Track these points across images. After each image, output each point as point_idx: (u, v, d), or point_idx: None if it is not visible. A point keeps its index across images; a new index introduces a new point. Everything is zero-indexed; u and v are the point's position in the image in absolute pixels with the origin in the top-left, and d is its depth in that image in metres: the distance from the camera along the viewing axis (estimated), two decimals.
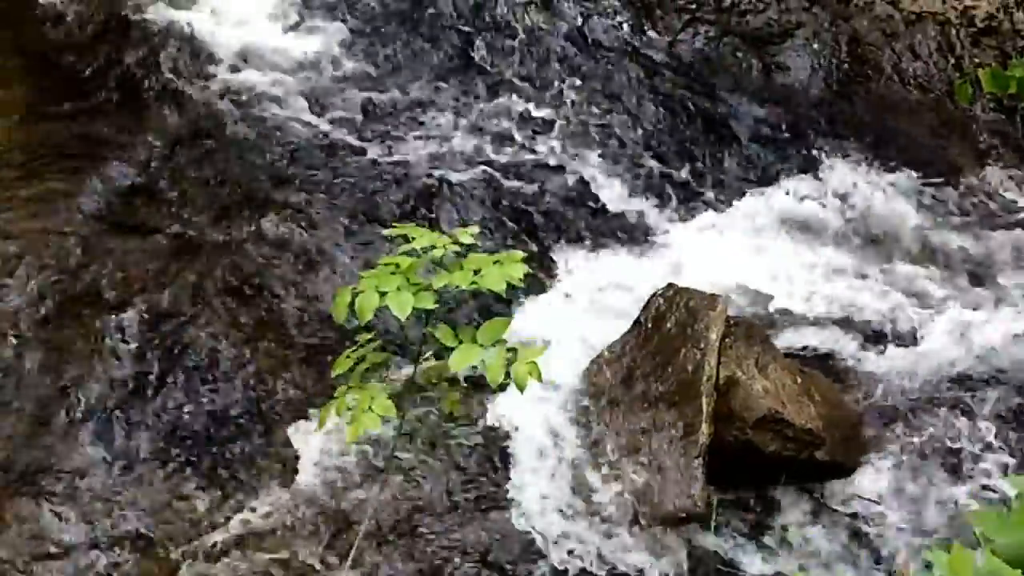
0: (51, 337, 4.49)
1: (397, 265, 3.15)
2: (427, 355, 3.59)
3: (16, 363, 4.35)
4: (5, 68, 5.93)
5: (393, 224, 3.58)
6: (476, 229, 3.28)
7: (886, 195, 5.56)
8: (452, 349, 3.15)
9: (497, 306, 4.56)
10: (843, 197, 5.56)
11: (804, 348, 4.83)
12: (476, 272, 3.11)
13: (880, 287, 5.14)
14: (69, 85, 5.69)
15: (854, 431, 4.41)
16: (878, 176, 5.64)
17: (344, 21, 6.30)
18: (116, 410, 4.27)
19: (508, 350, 3.12)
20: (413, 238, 3.19)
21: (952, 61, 6.13)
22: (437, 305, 3.13)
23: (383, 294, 3.08)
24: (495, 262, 3.11)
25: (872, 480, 4.26)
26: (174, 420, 4.30)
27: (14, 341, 4.43)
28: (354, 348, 3.41)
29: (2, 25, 6.05)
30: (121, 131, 5.51)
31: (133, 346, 4.49)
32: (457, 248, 3.16)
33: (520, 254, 3.16)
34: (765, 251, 5.30)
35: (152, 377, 4.42)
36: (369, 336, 3.45)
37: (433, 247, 3.14)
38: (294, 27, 6.18)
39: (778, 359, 4.39)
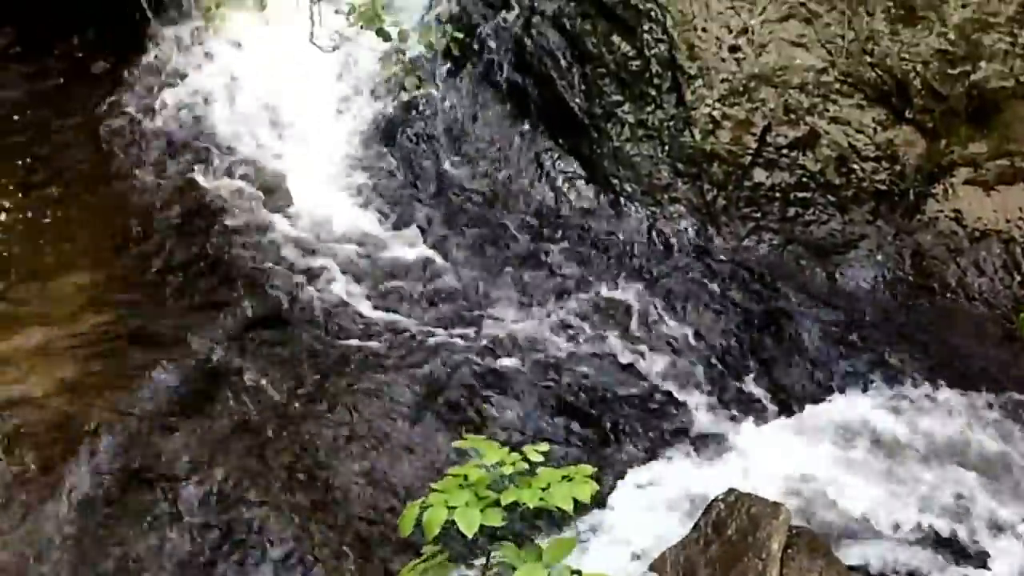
0: (113, 512, 4.54)
1: (466, 477, 3.17)
2: (493, 569, 3.55)
3: (78, 534, 4.39)
4: (85, 246, 6.19)
5: (462, 435, 3.59)
6: (545, 447, 3.29)
7: (951, 410, 5.49)
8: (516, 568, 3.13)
9: None
10: (907, 410, 5.51)
11: (867, 563, 4.70)
12: (544, 489, 3.11)
13: (946, 504, 5.03)
14: (145, 265, 5.94)
15: None
16: (943, 390, 5.58)
17: (417, 212, 6.56)
18: None
19: (572, 572, 3.07)
20: (483, 453, 3.22)
21: (1018, 279, 6.16)
22: (505, 523, 3.12)
23: (451, 508, 3.09)
24: (564, 477, 3.12)
25: None
26: None
27: (75, 514, 4.48)
28: (419, 560, 3.37)
29: (85, 204, 6.35)
30: (194, 312, 5.70)
31: (190, 524, 4.51)
32: (525, 466, 3.17)
33: (589, 469, 3.15)
34: (829, 460, 5.24)
35: (204, 559, 4.42)
36: (435, 549, 3.41)
37: (502, 463, 3.17)
38: (370, 218, 6.44)
39: (842, 573, 4.28)
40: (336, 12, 5.30)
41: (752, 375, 5.76)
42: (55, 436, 4.89)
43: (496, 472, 3.16)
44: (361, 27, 5.25)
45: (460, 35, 6.14)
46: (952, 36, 6.18)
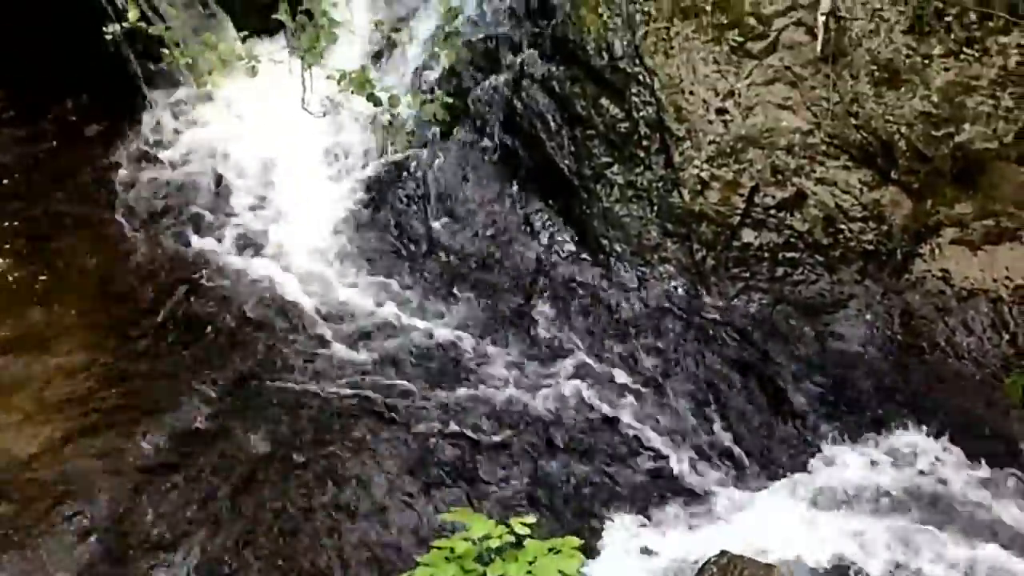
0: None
1: (452, 550, 3.17)
2: None
3: None
4: (75, 308, 6.21)
5: (449, 509, 3.60)
6: (532, 519, 3.30)
7: (941, 469, 5.49)
8: None
9: None
10: (898, 469, 5.51)
11: None
12: (531, 562, 3.10)
13: (938, 562, 5.01)
14: (134, 327, 5.96)
15: None
16: (933, 450, 5.59)
17: (406, 273, 6.59)
18: None
19: None
20: (469, 526, 3.22)
21: (1006, 338, 6.18)
22: None
23: None
24: (550, 549, 3.12)
25: None
26: None
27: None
28: None
29: (76, 267, 6.37)
30: (182, 372, 5.72)
31: None
32: (512, 539, 3.17)
33: (576, 541, 3.16)
34: (820, 521, 5.23)
35: None
36: None
37: (488, 536, 3.16)
38: (360, 280, 6.46)
39: None
40: (328, 78, 5.35)
41: (743, 435, 5.76)
42: (43, 496, 4.88)
43: (483, 545, 3.15)
44: (352, 92, 5.30)
45: (450, 100, 6.19)
46: (935, 99, 6.26)
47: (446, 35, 6.51)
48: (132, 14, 4.88)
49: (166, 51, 4.92)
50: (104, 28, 4.80)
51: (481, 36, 7.25)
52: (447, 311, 6.35)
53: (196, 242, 6.41)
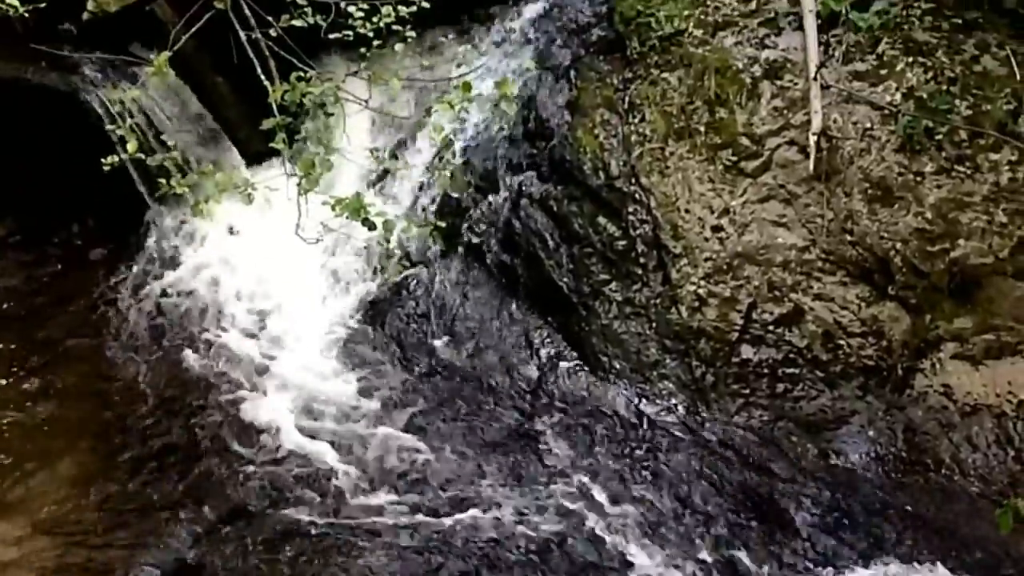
0: None
1: None
2: None
3: None
4: (72, 432, 6.24)
5: None
6: None
7: None
8: None
9: None
10: None
11: None
12: None
13: None
14: (130, 451, 5.97)
15: None
16: (938, 571, 5.46)
17: (405, 391, 6.59)
18: None
19: None
20: None
21: (1012, 454, 6.09)
22: None
23: None
24: None
25: None
26: None
27: None
28: None
29: (76, 390, 6.40)
30: (178, 498, 5.70)
31: None
32: None
33: None
34: None
35: None
36: None
37: None
38: (359, 402, 6.46)
39: None
40: (323, 203, 5.43)
41: (744, 555, 5.64)
42: None
43: None
44: (347, 218, 5.36)
45: (443, 225, 6.29)
46: (929, 215, 6.29)
47: (441, 163, 6.61)
48: (131, 146, 4.99)
49: (162, 180, 5.02)
50: (103, 160, 4.92)
51: (480, 157, 7.39)
52: (446, 431, 6.32)
53: (194, 366, 6.45)
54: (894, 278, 6.35)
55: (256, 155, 7.34)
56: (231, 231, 6.94)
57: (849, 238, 6.42)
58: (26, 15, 5.27)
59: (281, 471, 5.86)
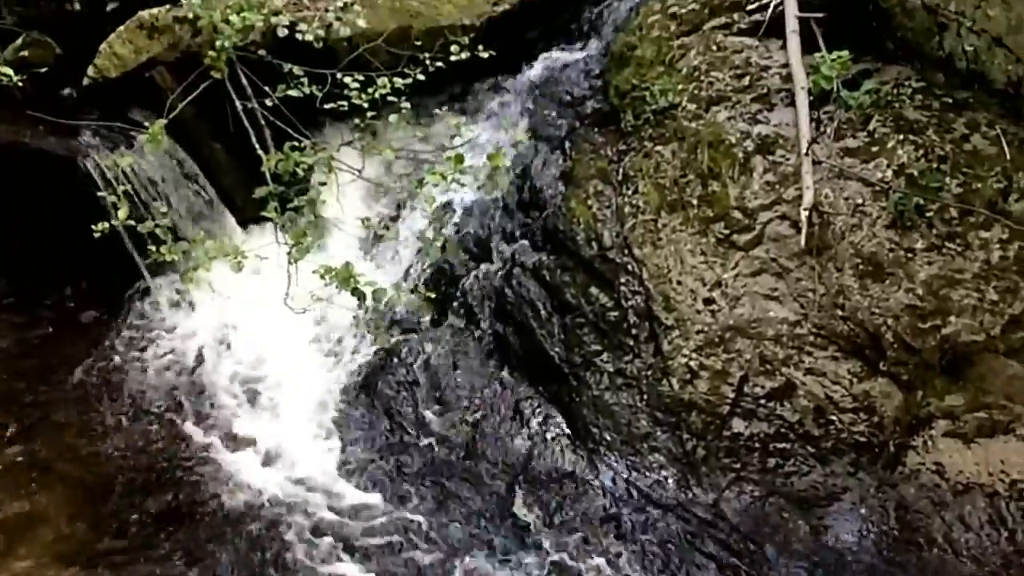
0: None
1: None
2: None
3: None
4: (60, 499, 6.19)
5: None
6: None
7: None
8: None
9: None
10: None
11: None
12: None
13: None
14: (117, 521, 5.91)
15: None
16: None
17: (394, 462, 6.53)
18: None
19: None
20: None
21: (1005, 535, 6.01)
22: None
23: None
24: None
25: None
26: None
27: None
28: None
29: (64, 456, 6.36)
30: (169, 571, 5.61)
31: None
32: None
33: None
34: None
35: None
36: None
37: None
38: (346, 471, 6.42)
39: None
40: (313, 272, 5.46)
41: None
42: None
43: None
44: (337, 287, 5.39)
45: (433, 296, 6.30)
46: (920, 291, 6.30)
47: (434, 234, 6.66)
48: (122, 213, 5.04)
49: (153, 248, 5.05)
50: (94, 227, 4.95)
51: (474, 226, 7.42)
52: (432, 502, 6.26)
53: (183, 431, 6.41)
54: (886, 354, 6.33)
55: (251, 220, 7.38)
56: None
57: (841, 313, 6.42)
58: (21, 84, 5.36)
59: (266, 541, 5.81)
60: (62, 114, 6.99)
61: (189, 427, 6.51)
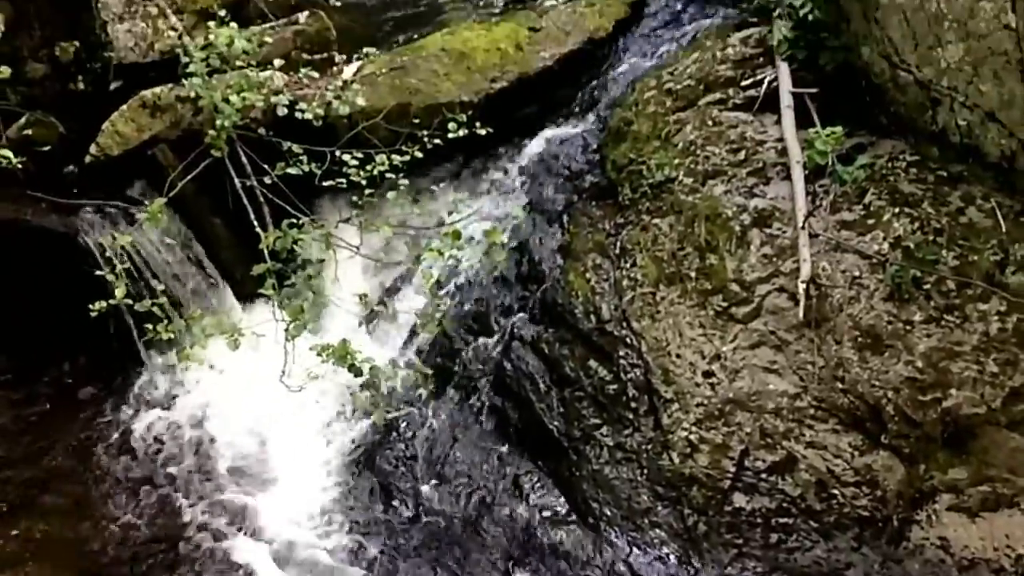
0: None
1: None
2: None
3: None
4: None
5: None
6: None
7: None
8: None
9: None
10: None
11: None
12: None
13: None
14: None
15: None
16: None
17: (392, 538, 6.48)
18: None
19: None
20: None
21: None
22: None
23: None
24: None
25: None
26: None
27: None
28: None
29: (61, 533, 6.31)
30: None
31: None
32: None
33: None
34: None
35: None
36: None
37: None
38: (343, 549, 6.35)
39: None
40: (310, 348, 5.46)
41: None
42: None
43: None
44: (334, 364, 5.39)
45: (430, 371, 6.29)
46: (920, 364, 6.27)
47: (432, 309, 6.68)
48: (119, 292, 5.07)
49: (149, 326, 5.07)
50: (91, 306, 4.98)
51: (472, 299, 7.44)
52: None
53: (179, 510, 6.37)
54: (887, 427, 6.29)
55: (251, 295, 7.39)
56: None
57: (840, 386, 6.39)
58: (21, 165, 5.42)
59: None
60: (64, 192, 7.07)
61: (184, 505, 6.46)
